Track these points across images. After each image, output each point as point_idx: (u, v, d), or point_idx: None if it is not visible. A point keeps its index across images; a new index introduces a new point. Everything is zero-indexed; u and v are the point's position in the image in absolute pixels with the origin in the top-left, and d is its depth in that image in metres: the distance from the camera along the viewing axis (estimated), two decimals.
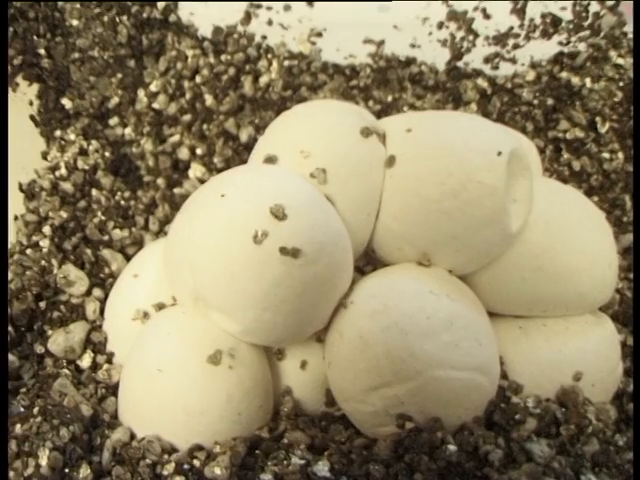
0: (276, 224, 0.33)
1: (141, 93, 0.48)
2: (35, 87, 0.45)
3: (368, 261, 0.41)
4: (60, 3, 0.43)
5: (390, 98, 0.50)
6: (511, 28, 0.49)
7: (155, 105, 0.48)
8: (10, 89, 0.42)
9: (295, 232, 0.33)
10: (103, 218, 0.44)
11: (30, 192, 0.43)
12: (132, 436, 0.36)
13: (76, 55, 0.45)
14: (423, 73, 0.50)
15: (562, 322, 0.40)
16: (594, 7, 0.48)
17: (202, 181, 0.48)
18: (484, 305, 0.40)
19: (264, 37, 0.49)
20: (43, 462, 0.33)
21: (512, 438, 0.35)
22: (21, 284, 0.40)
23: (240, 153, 0.48)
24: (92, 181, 0.45)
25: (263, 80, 0.49)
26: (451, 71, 0.50)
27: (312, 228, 0.34)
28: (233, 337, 0.36)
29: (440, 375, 0.34)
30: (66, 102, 0.46)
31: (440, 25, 0.49)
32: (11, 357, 0.38)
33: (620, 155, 0.49)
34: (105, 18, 0.44)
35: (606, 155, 0.49)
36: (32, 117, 0.46)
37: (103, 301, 0.42)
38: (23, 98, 0.45)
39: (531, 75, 0.50)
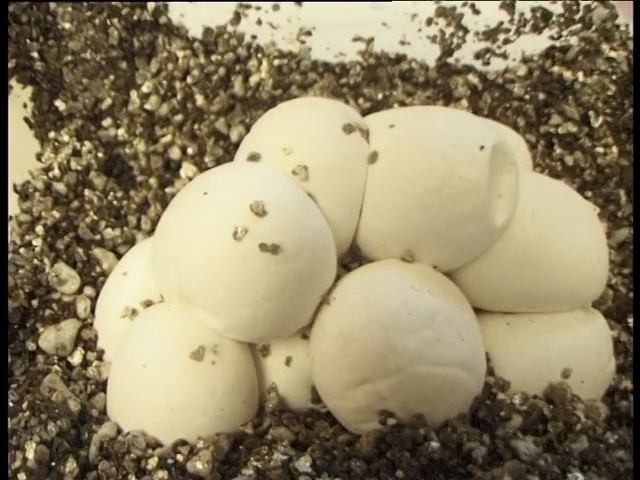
0: (256, 221, 0.34)
1: (133, 94, 0.48)
2: (29, 89, 0.46)
3: (354, 258, 0.41)
4: (52, 6, 0.44)
5: (380, 95, 0.50)
6: (501, 23, 0.49)
7: (147, 106, 0.49)
8: None
9: (275, 228, 0.34)
10: (95, 218, 0.45)
11: (24, 193, 0.44)
12: (119, 431, 0.36)
13: (69, 58, 0.45)
14: (413, 70, 0.50)
15: (551, 318, 0.40)
16: (585, 0, 0.47)
17: None
18: (471, 301, 0.39)
19: (254, 37, 0.50)
20: (30, 455, 0.34)
21: (497, 435, 0.35)
22: (14, 282, 0.41)
23: (231, 152, 0.49)
24: (85, 181, 0.46)
25: (253, 79, 0.49)
26: (441, 67, 0.50)
27: (292, 224, 0.34)
28: (216, 333, 0.36)
29: (422, 371, 0.34)
30: (60, 104, 0.46)
31: (429, 21, 0.49)
32: None
33: (614, 149, 0.49)
34: (96, 21, 0.45)
35: (600, 149, 0.49)
36: (26, 119, 0.46)
37: (94, 299, 0.43)
38: (17, 100, 0.46)
39: (522, 70, 0.50)
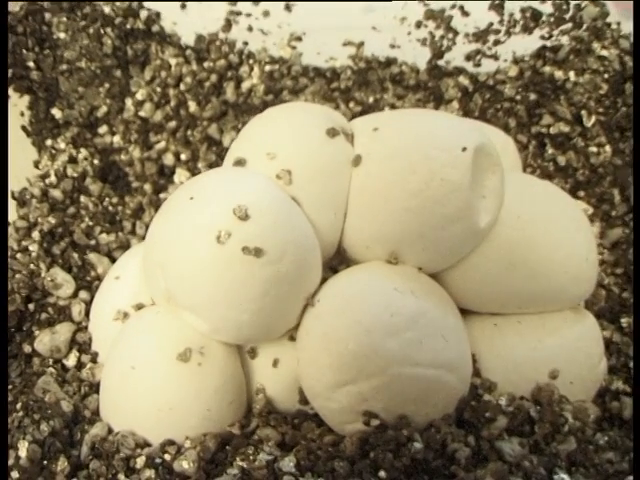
0: (239, 224, 0.34)
1: (128, 102, 0.49)
2: (26, 98, 0.47)
3: (341, 260, 0.42)
4: (47, 17, 0.45)
5: (371, 99, 0.50)
6: (491, 24, 0.49)
7: (141, 113, 0.49)
8: None
9: (257, 232, 0.34)
10: (90, 223, 0.46)
11: (21, 199, 0.45)
12: (110, 431, 0.37)
13: (64, 67, 0.47)
14: (404, 73, 0.50)
15: (538, 319, 0.40)
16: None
17: None
18: (458, 302, 0.40)
19: (245, 43, 0.50)
20: (23, 454, 0.35)
21: (482, 436, 0.35)
22: (11, 287, 0.42)
23: (223, 158, 0.49)
24: (81, 188, 0.47)
25: (245, 85, 0.50)
26: (432, 70, 0.50)
27: (275, 228, 0.35)
28: (203, 336, 0.37)
29: (404, 372, 0.34)
30: (56, 112, 0.48)
31: (418, 24, 0.49)
32: None
33: (607, 148, 0.48)
34: (90, 30, 0.46)
35: (593, 149, 0.49)
36: (24, 127, 0.48)
37: (89, 303, 0.44)
38: (14, 109, 0.47)
39: (514, 71, 0.49)
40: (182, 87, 0.50)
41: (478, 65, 0.50)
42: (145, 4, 0.48)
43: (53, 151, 0.47)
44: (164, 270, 0.36)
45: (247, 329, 0.36)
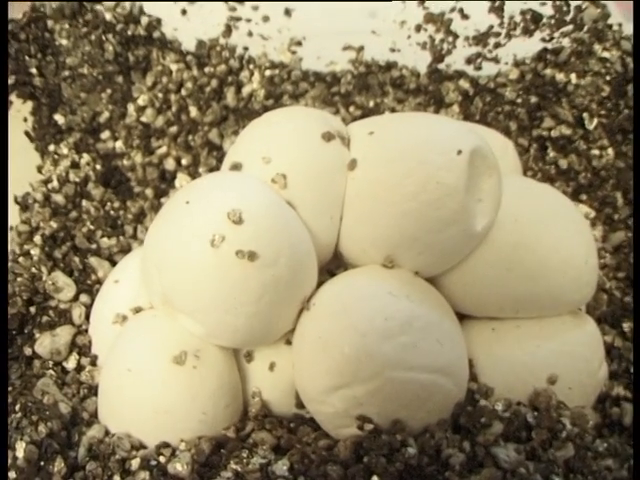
0: (233, 228, 0.34)
1: (130, 107, 0.50)
2: (29, 104, 0.48)
3: (339, 264, 0.42)
4: (50, 24, 0.46)
5: (372, 103, 0.50)
6: (491, 27, 0.49)
7: (143, 118, 0.50)
8: None
9: (252, 236, 0.34)
10: (92, 227, 0.46)
11: (24, 204, 0.46)
12: (107, 433, 0.38)
13: (66, 73, 0.47)
14: (404, 77, 0.50)
15: (537, 323, 0.39)
16: (575, 1, 0.47)
17: None
18: (456, 307, 0.39)
19: (246, 48, 0.51)
20: (20, 455, 0.35)
21: (477, 442, 0.34)
22: (12, 290, 0.43)
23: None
24: (83, 192, 0.48)
25: (246, 90, 0.50)
26: (432, 74, 0.50)
27: (269, 232, 0.35)
28: (199, 339, 0.37)
29: (399, 376, 0.34)
30: (59, 118, 0.48)
31: (418, 28, 0.49)
32: None
33: (610, 151, 0.48)
34: (92, 37, 0.47)
35: (595, 152, 0.48)
36: (27, 133, 0.48)
37: (89, 306, 0.44)
38: (18, 115, 0.48)
39: (515, 74, 0.49)
40: (183, 92, 0.50)
41: (479, 68, 0.50)
42: (146, 10, 0.49)
43: (56, 156, 0.48)
44: (160, 273, 0.36)
45: (242, 333, 0.36)
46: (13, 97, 0.47)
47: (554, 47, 0.49)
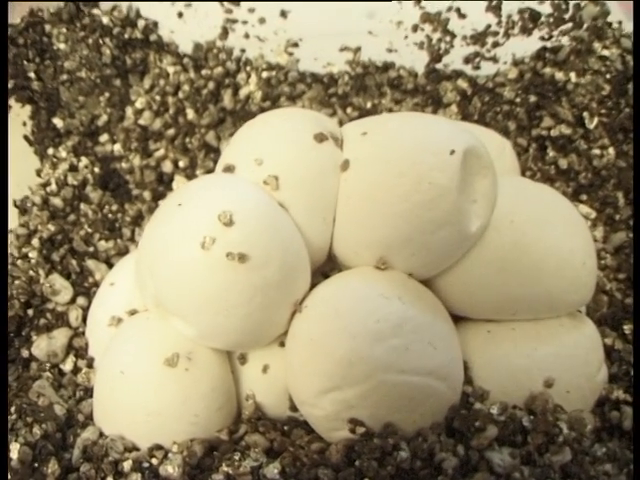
0: (223, 230, 0.34)
1: (129, 110, 0.50)
2: (28, 108, 0.49)
3: (333, 266, 0.41)
4: (47, 28, 0.46)
5: (369, 104, 0.50)
6: (489, 26, 0.48)
7: (141, 121, 0.50)
8: None
9: (242, 238, 0.34)
10: (90, 230, 0.47)
11: (23, 207, 0.46)
12: (101, 435, 0.38)
13: (64, 77, 0.48)
14: (402, 77, 0.50)
15: (533, 326, 0.39)
16: None
17: None
18: (451, 309, 0.39)
19: (243, 50, 0.51)
20: (14, 456, 0.35)
21: (472, 446, 0.34)
22: (10, 292, 0.43)
23: None
24: (81, 196, 0.48)
25: (243, 92, 0.50)
26: (430, 74, 0.50)
27: (260, 234, 0.35)
28: (192, 341, 0.37)
29: (390, 379, 0.33)
30: (57, 121, 0.49)
31: (415, 28, 0.49)
32: None
33: (611, 151, 0.47)
34: (90, 40, 0.47)
35: (596, 151, 0.47)
36: (26, 137, 0.49)
37: (86, 309, 0.44)
38: (17, 119, 0.48)
39: (513, 73, 0.49)
40: (180, 95, 0.50)
41: (477, 68, 0.50)
42: (143, 13, 0.49)
43: (55, 160, 0.48)
44: (153, 276, 0.36)
45: (234, 335, 0.36)
46: (12, 101, 0.47)
47: (553, 46, 0.48)
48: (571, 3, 0.46)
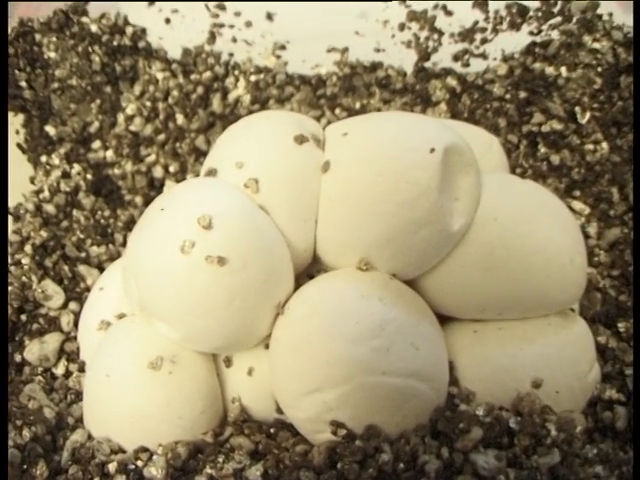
0: (203, 234, 0.34)
1: (120, 117, 0.51)
2: (20, 117, 0.49)
3: (320, 268, 0.41)
4: (37, 37, 0.47)
5: (358, 105, 0.50)
6: (476, 23, 0.48)
7: (132, 127, 0.51)
8: None
9: (221, 241, 0.34)
10: (82, 236, 0.47)
11: (16, 214, 0.47)
12: (89, 437, 0.38)
13: (56, 85, 0.48)
14: (390, 77, 0.50)
15: (521, 325, 0.38)
16: None
17: None
18: (438, 309, 0.39)
19: (231, 54, 0.51)
20: None
21: (456, 448, 0.34)
22: None
23: None
24: (74, 202, 0.48)
25: (232, 96, 0.50)
26: (419, 72, 0.49)
27: (239, 237, 0.35)
28: (176, 344, 0.37)
29: (370, 381, 0.33)
30: (50, 129, 0.49)
31: (402, 27, 0.48)
32: None
33: (604, 145, 0.46)
34: (79, 49, 0.48)
35: (589, 146, 0.47)
36: (19, 145, 0.50)
37: (78, 314, 0.45)
38: (10, 128, 0.49)
39: (503, 69, 0.48)
40: (170, 100, 0.50)
41: (467, 65, 0.49)
42: (131, 20, 0.49)
43: (48, 167, 0.49)
44: (137, 280, 0.37)
45: (216, 338, 0.36)
46: None
47: (543, 40, 0.47)
48: None
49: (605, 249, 0.44)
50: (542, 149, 0.47)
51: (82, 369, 0.43)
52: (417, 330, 0.35)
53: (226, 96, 0.50)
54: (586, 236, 0.45)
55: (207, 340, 0.36)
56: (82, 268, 0.46)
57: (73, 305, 0.45)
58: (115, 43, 0.49)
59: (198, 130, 0.50)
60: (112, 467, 0.35)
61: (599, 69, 0.45)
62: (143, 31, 0.50)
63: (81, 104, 0.49)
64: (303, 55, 0.50)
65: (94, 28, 0.48)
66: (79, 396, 0.42)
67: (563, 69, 0.46)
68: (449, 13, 0.47)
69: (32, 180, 0.49)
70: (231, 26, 0.50)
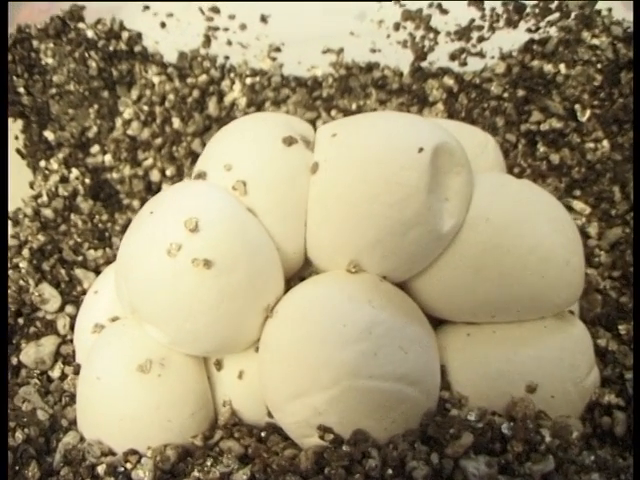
0: (189, 237, 0.34)
1: (118, 121, 0.51)
2: (19, 123, 0.50)
3: (312, 270, 0.41)
4: (35, 44, 0.48)
5: (354, 106, 0.49)
6: (472, 21, 0.47)
7: (129, 132, 0.51)
8: None
9: (207, 244, 0.34)
10: (79, 240, 0.48)
11: (15, 219, 0.48)
12: (81, 439, 0.38)
13: (54, 91, 0.49)
14: (386, 77, 0.49)
15: (516, 328, 0.37)
16: None
17: None
18: (430, 312, 0.38)
19: (227, 57, 0.51)
20: None
21: (446, 454, 0.33)
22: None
23: None
24: (72, 206, 0.49)
25: (227, 99, 0.50)
26: (416, 72, 0.49)
27: (225, 239, 0.35)
28: (166, 347, 0.37)
29: (358, 385, 0.33)
30: (48, 134, 0.50)
31: (397, 26, 0.48)
32: None
33: (605, 143, 0.45)
34: (76, 54, 0.48)
35: (590, 145, 0.45)
36: (18, 150, 0.50)
37: (74, 317, 0.45)
38: (9, 134, 0.49)
39: (501, 67, 0.47)
40: (167, 104, 0.51)
41: (464, 64, 0.48)
42: (126, 25, 0.50)
43: (46, 172, 0.50)
44: (126, 282, 0.37)
45: (204, 341, 0.36)
46: None
47: (541, 37, 0.46)
48: None
49: (606, 249, 0.43)
50: (541, 148, 0.46)
51: (77, 372, 0.43)
52: (406, 333, 0.34)
53: (222, 99, 0.50)
54: (586, 236, 0.44)
55: (195, 343, 0.36)
56: (79, 272, 0.47)
57: (69, 308, 0.46)
58: (111, 48, 0.49)
59: (194, 134, 0.50)
60: (101, 469, 0.35)
61: (599, 65, 0.44)
62: (139, 36, 0.50)
63: (79, 109, 0.49)
64: (298, 57, 0.49)
65: (90, 34, 0.49)
66: (73, 399, 0.42)
67: (562, 66, 0.45)
68: (444, 11, 0.46)
69: (31, 185, 0.50)
70: (226, 29, 0.50)
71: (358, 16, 0.52)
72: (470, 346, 0.37)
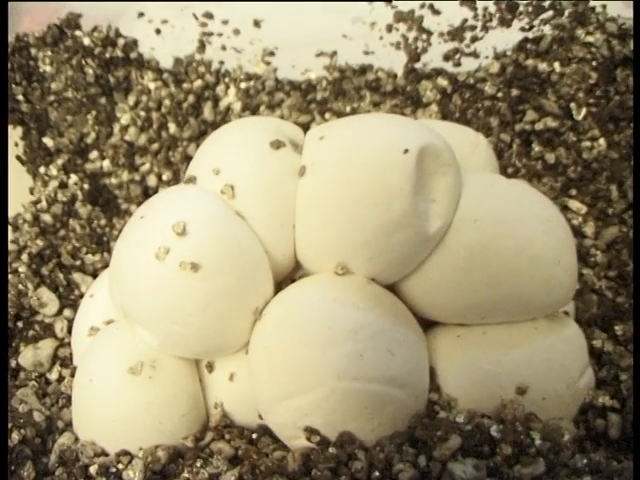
0: (177, 240, 0.35)
1: (116, 127, 0.52)
2: (19, 130, 0.51)
3: (303, 273, 0.41)
4: (33, 52, 0.48)
5: (349, 109, 0.49)
6: (465, 20, 0.47)
7: (127, 137, 0.52)
8: None
9: (194, 247, 0.34)
10: (77, 245, 0.48)
11: (15, 225, 0.49)
12: (76, 440, 0.39)
13: (52, 98, 0.50)
14: (380, 79, 0.49)
15: (506, 329, 0.37)
16: None
17: None
18: (420, 314, 0.38)
19: (221, 62, 0.51)
20: None
21: (433, 457, 0.33)
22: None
23: None
24: (70, 211, 0.50)
25: (222, 104, 0.51)
26: (409, 74, 0.49)
27: (212, 243, 0.35)
28: (156, 350, 0.37)
29: (343, 387, 0.33)
30: (48, 141, 0.51)
31: (389, 28, 0.48)
32: None
33: (601, 142, 0.44)
34: (73, 61, 0.49)
35: (586, 143, 0.45)
36: (18, 157, 0.51)
37: (72, 320, 0.46)
38: (9, 140, 0.50)
39: (495, 67, 0.47)
40: (163, 110, 0.51)
41: (458, 64, 0.48)
42: (122, 32, 0.50)
43: (46, 178, 0.50)
44: (118, 286, 0.37)
45: (194, 343, 0.36)
46: None
47: (535, 36, 0.46)
48: None
49: (602, 249, 0.43)
50: (536, 147, 0.45)
51: (74, 374, 0.44)
52: (393, 335, 0.34)
53: (217, 104, 0.51)
54: (583, 236, 0.43)
55: (185, 346, 0.36)
56: (77, 276, 0.47)
57: (67, 312, 0.46)
58: (108, 55, 0.50)
59: (190, 138, 0.51)
60: (94, 469, 0.36)
61: (594, 63, 0.44)
62: (134, 42, 0.51)
63: (77, 116, 0.50)
64: (292, 60, 0.50)
65: (87, 41, 0.49)
66: (70, 400, 0.42)
67: (556, 64, 0.45)
68: (436, 12, 0.46)
69: (31, 191, 0.51)
70: (220, 34, 0.50)
71: (353, 19, 0.52)
72: (460, 348, 0.37)
